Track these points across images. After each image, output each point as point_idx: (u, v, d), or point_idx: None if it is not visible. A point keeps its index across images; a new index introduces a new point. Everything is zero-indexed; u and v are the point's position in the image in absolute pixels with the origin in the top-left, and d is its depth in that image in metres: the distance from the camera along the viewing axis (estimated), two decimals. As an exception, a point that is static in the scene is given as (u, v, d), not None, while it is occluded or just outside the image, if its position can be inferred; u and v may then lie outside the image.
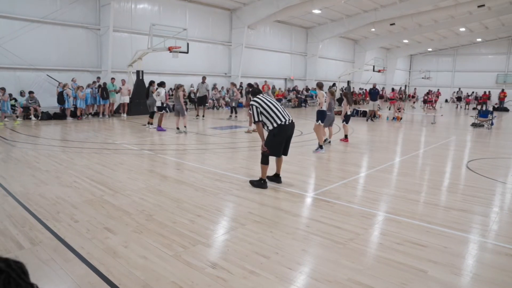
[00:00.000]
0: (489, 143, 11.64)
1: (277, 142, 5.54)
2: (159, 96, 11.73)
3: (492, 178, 6.60)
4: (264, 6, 20.23)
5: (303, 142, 9.32)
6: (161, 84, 11.93)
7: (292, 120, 5.62)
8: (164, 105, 12.00)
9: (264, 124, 5.55)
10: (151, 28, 15.11)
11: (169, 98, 16.37)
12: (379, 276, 3.07)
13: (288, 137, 5.65)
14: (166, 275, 3.02)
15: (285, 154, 5.82)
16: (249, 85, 13.29)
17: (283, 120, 5.47)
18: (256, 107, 5.49)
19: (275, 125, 5.44)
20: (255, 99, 5.61)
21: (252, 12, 21.16)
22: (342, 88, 28.56)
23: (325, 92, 9.21)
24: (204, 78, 16.22)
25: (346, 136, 10.49)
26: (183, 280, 2.95)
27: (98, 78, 16.27)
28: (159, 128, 11.79)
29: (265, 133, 5.67)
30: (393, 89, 23.87)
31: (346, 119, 10.48)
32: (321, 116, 8.83)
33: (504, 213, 4.82)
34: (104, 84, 15.66)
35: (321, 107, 8.86)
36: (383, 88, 31.83)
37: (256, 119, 5.52)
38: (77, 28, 16.07)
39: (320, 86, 9.04)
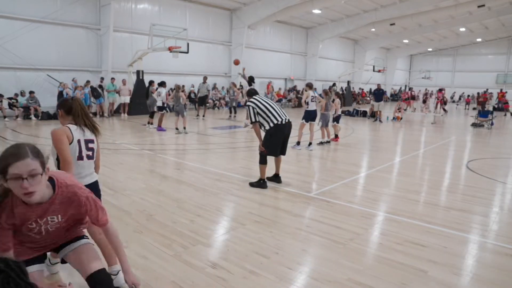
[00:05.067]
0: (489, 143, 11.64)
1: (274, 141, 5.56)
2: (160, 96, 11.74)
3: (492, 178, 6.60)
4: (264, 6, 20.24)
5: (303, 142, 9.33)
6: (162, 84, 11.94)
7: (288, 120, 5.65)
8: (165, 105, 12.00)
9: (261, 124, 5.57)
10: (151, 28, 15.12)
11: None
12: (379, 276, 3.07)
13: (285, 136, 5.67)
14: (166, 275, 3.02)
15: (283, 153, 5.84)
16: (250, 78, 13.10)
17: (279, 119, 5.50)
18: (253, 107, 5.53)
19: (271, 125, 5.47)
20: (251, 100, 5.66)
21: (252, 12, 21.17)
22: (341, 88, 28.57)
23: (319, 93, 9.41)
24: (205, 78, 16.23)
25: (336, 135, 10.55)
26: (183, 280, 2.95)
27: (102, 79, 16.30)
28: (159, 128, 11.79)
29: (263, 134, 5.69)
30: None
31: (337, 119, 10.53)
32: (306, 115, 9.22)
33: (504, 213, 4.82)
34: (91, 86, 15.64)
35: (307, 107, 9.22)
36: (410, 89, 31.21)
37: (253, 120, 5.55)
38: (77, 28, 16.07)
39: (309, 86, 9.43)
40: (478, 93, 28.73)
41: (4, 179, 1.70)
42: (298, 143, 9.16)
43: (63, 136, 2.63)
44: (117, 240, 2.24)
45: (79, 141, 2.70)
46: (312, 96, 9.17)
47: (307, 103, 9.17)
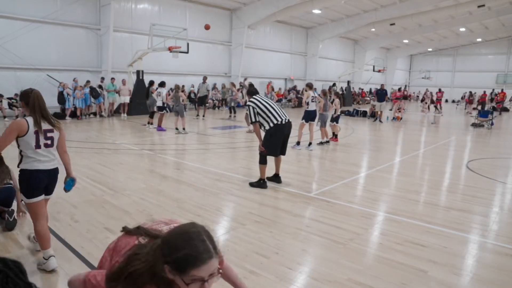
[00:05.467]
0: (489, 143, 11.64)
1: (274, 141, 5.55)
2: (160, 96, 11.75)
3: (492, 178, 6.60)
4: (264, 6, 20.23)
5: (303, 142, 9.33)
6: (162, 84, 11.96)
7: (288, 120, 5.65)
8: (165, 105, 12.00)
9: (261, 124, 5.57)
10: (151, 28, 15.11)
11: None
12: (379, 276, 3.07)
13: (285, 136, 5.67)
14: (166, 275, 3.02)
15: (283, 153, 5.84)
16: (251, 85, 13.22)
17: (279, 120, 5.49)
18: (253, 107, 5.51)
19: (271, 125, 5.47)
20: (251, 99, 5.65)
21: (252, 12, 21.16)
22: (341, 88, 28.55)
23: (318, 93, 9.39)
24: (205, 78, 16.23)
25: (336, 136, 10.57)
26: (183, 280, 2.95)
27: (102, 78, 16.28)
28: (159, 128, 11.79)
29: (263, 134, 5.69)
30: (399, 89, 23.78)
31: (336, 119, 10.53)
32: (306, 115, 9.21)
33: (504, 213, 4.82)
34: (91, 86, 15.63)
35: (307, 107, 9.17)
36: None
37: (253, 120, 5.54)
38: (77, 28, 16.07)
39: (309, 86, 9.41)
40: (470, 92, 28.82)
41: (181, 279, 1.38)
42: (298, 143, 9.16)
43: (13, 130, 2.92)
44: (235, 276, 1.99)
45: (36, 132, 2.94)
46: (312, 97, 9.17)
47: (307, 103, 9.16)
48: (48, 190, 3.20)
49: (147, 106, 12.61)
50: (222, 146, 9.58)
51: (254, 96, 5.71)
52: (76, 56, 16.18)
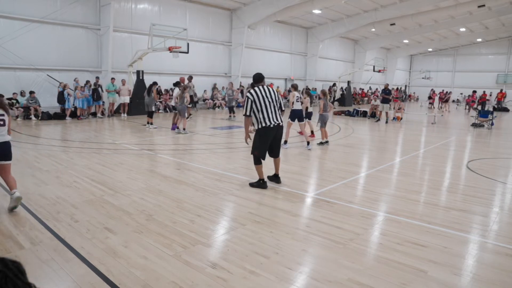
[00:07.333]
0: (489, 143, 11.63)
1: (263, 142, 5.51)
2: (173, 96, 11.91)
3: (492, 178, 6.59)
4: (264, 6, 20.23)
5: (303, 142, 9.33)
6: (177, 84, 12.09)
7: (279, 124, 5.51)
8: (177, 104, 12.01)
9: (252, 123, 5.55)
10: (151, 28, 15.11)
11: (169, 98, 16.40)
12: (379, 276, 3.07)
13: (274, 139, 5.58)
14: (166, 275, 3.02)
15: (275, 156, 5.74)
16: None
17: (269, 123, 5.39)
18: (252, 101, 5.38)
19: (260, 126, 5.42)
20: (252, 92, 5.45)
21: (252, 12, 21.16)
22: (341, 88, 28.55)
23: (318, 93, 9.40)
24: (190, 78, 16.20)
25: (312, 132, 10.74)
26: (183, 280, 2.95)
27: (97, 78, 16.28)
28: (174, 127, 11.82)
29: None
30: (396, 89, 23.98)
31: (308, 115, 10.47)
32: (292, 114, 9.39)
33: (504, 213, 4.82)
34: (95, 84, 15.63)
35: (292, 107, 9.37)
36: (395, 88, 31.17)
37: (247, 113, 5.44)
38: (77, 28, 16.07)
39: (294, 87, 9.67)
40: (469, 95, 28.94)
41: None
42: (285, 141, 9.27)
43: None
44: None
45: None
46: (297, 97, 9.37)
47: (293, 103, 9.36)
48: (2, 157, 4.47)
49: (145, 105, 12.50)
50: (222, 146, 9.58)
51: (255, 88, 5.49)
52: (76, 56, 16.18)
